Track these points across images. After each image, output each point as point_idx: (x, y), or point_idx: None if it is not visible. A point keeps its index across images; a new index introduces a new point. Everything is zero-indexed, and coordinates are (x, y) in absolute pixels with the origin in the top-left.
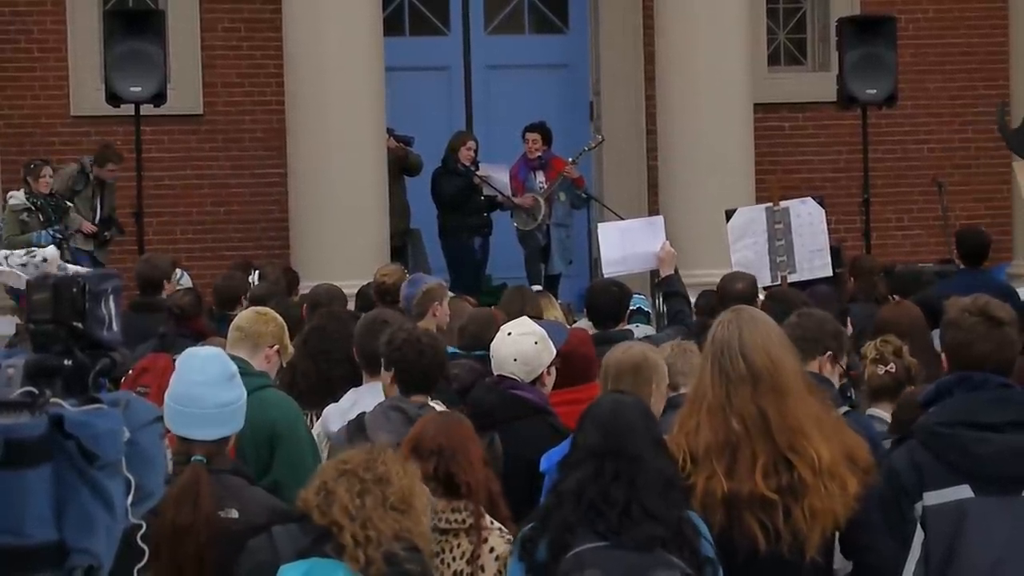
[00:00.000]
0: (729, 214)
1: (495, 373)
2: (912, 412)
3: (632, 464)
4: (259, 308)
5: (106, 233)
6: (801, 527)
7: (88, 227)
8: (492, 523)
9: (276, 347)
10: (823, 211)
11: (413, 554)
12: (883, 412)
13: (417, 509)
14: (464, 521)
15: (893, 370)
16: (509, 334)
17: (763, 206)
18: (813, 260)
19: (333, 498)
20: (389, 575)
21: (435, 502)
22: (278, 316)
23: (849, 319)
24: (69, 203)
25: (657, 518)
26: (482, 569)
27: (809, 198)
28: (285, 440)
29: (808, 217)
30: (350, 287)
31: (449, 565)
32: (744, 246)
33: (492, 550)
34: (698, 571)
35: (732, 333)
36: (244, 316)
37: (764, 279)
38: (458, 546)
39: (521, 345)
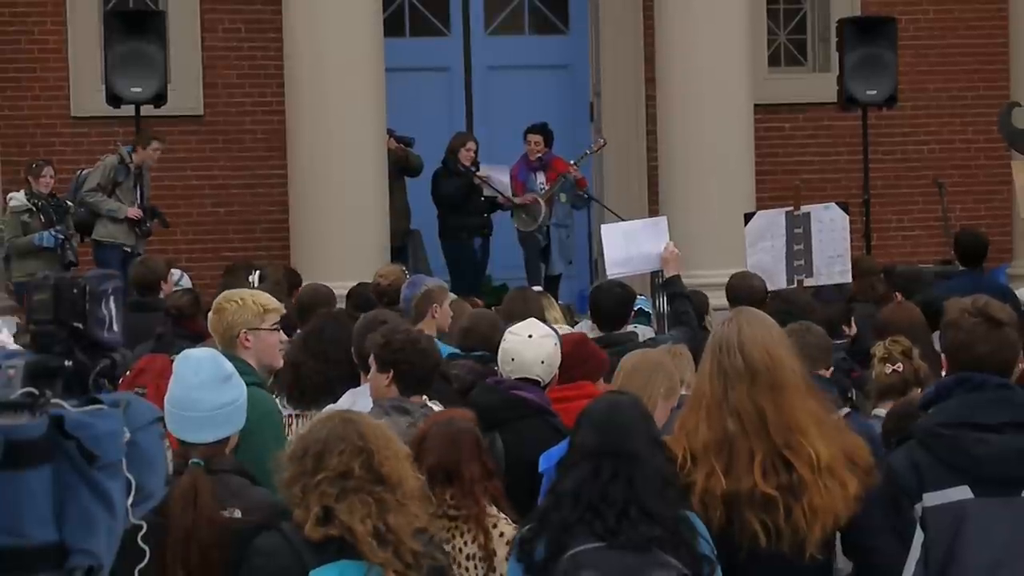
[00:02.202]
0: (748, 217)
1: (513, 376)
2: (902, 422)
3: (630, 463)
4: (215, 305)
5: (148, 223)
6: (801, 525)
7: (134, 212)
8: (498, 512)
9: (243, 331)
10: (846, 216)
11: (429, 543)
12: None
13: (414, 494)
14: (472, 507)
15: (900, 369)
16: (530, 336)
17: (783, 210)
18: (832, 266)
19: (343, 521)
20: (423, 570)
21: (444, 489)
22: (233, 300)
23: (852, 320)
24: (70, 203)
25: (654, 518)
26: (494, 552)
27: (833, 204)
28: (247, 436)
29: (830, 223)
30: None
31: (461, 550)
32: (761, 249)
33: (502, 535)
34: (695, 570)
35: (732, 330)
36: (209, 322)
37: (780, 283)
38: (468, 531)
39: (546, 347)
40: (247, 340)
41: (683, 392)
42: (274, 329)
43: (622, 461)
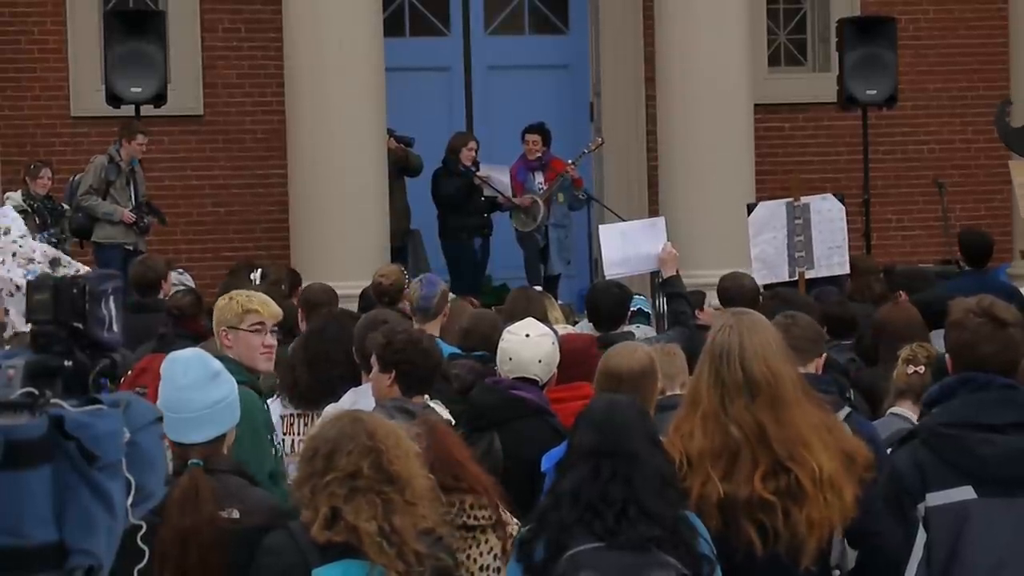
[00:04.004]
0: (751, 208)
1: (511, 376)
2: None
3: (629, 463)
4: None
5: (145, 220)
6: (800, 530)
7: (128, 216)
8: (512, 518)
9: (223, 329)
10: (843, 208)
11: (436, 544)
12: (905, 411)
13: (423, 495)
14: (490, 517)
15: (922, 372)
16: (527, 336)
17: (784, 201)
18: (831, 257)
19: (348, 522)
20: (427, 571)
21: (463, 499)
22: (225, 298)
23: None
24: (66, 206)
25: (654, 518)
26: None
27: (830, 195)
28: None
29: (828, 214)
30: (350, 288)
31: (476, 560)
32: (764, 240)
33: None
34: (695, 570)
35: (732, 340)
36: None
37: (782, 274)
38: (485, 541)
39: (543, 346)
40: (227, 339)
41: (678, 392)
42: (254, 330)
43: (621, 461)
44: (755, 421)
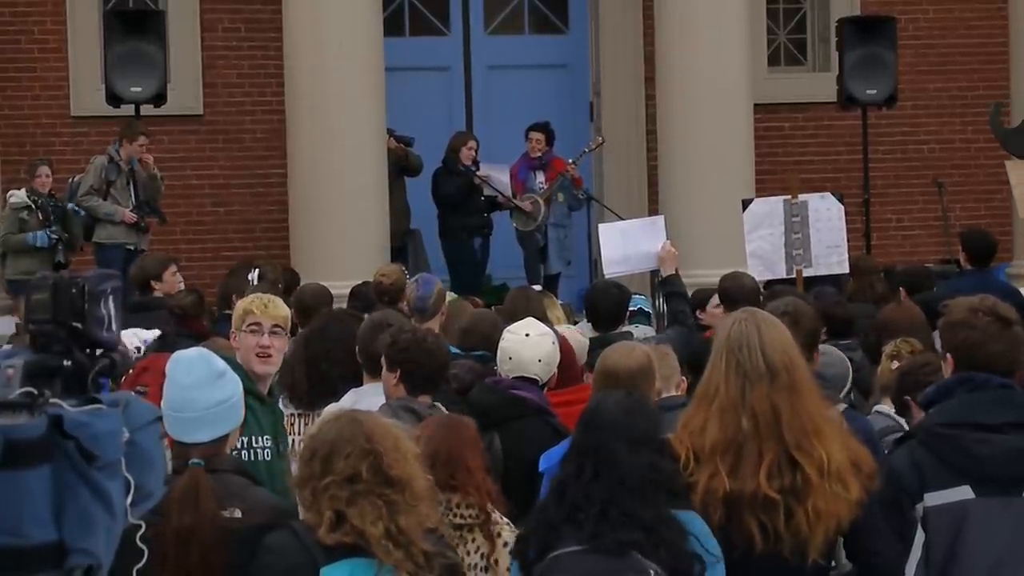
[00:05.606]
0: (746, 203)
1: (510, 376)
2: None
3: (609, 463)
4: None
5: (145, 220)
6: (803, 528)
7: (130, 216)
8: (501, 518)
9: (232, 332)
10: (842, 207)
11: (439, 542)
12: (890, 408)
13: (423, 495)
14: (478, 516)
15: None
16: (527, 335)
17: (781, 198)
18: (830, 256)
19: (355, 525)
20: (436, 570)
21: (450, 498)
22: (239, 304)
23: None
24: (71, 204)
25: (634, 520)
26: (496, 562)
27: (828, 193)
28: None
29: (826, 212)
30: (350, 288)
31: (464, 560)
32: (759, 236)
33: (506, 544)
34: (683, 571)
35: (750, 330)
36: None
37: (779, 271)
38: (472, 540)
39: (543, 346)
40: (235, 341)
41: (674, 393)
42: (251, 331)
43: (602, 461)
44: (771, 406)
